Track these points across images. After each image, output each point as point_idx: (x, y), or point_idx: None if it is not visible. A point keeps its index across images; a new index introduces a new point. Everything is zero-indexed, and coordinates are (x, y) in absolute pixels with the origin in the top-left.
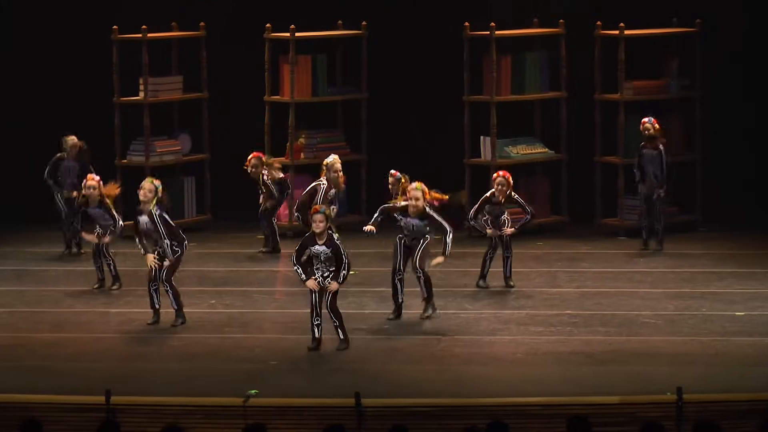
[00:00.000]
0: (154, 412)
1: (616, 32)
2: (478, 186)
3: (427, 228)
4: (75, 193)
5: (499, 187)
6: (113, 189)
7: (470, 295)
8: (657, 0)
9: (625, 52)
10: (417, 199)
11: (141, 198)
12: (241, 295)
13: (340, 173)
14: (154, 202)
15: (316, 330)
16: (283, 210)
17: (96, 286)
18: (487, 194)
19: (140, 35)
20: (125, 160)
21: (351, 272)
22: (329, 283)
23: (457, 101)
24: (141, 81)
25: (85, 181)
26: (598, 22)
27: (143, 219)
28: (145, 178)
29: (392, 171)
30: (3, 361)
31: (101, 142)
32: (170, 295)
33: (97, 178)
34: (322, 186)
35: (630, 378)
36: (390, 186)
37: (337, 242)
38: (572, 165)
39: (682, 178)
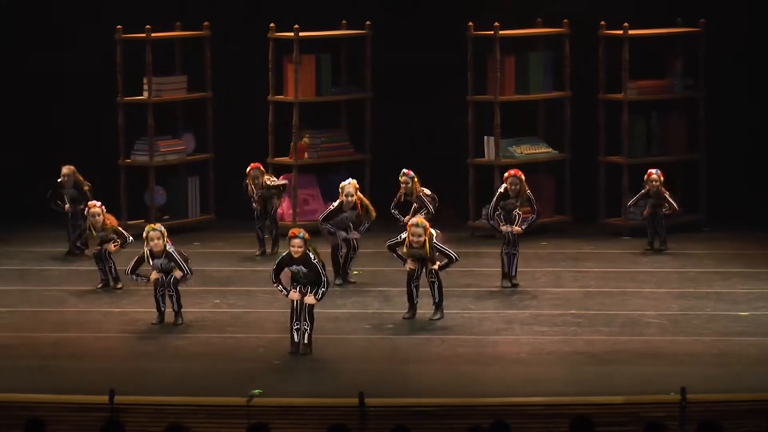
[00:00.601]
0: (157, 412)
1: (620, 32)
2: (482, 186)
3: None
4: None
5: (512, 186)
6: (114, 220)
7: (474, 295)
8: (661, 0)
9: (629, 52)
10: (419, 236)
11: (154, 249)
12: (245, 294)
13: (353, 197)
14: (165, 241)
15: (295, 335)
16: (286, 209)
17: (100, 285)
18: (501, 190)
19: (144, 35)
20: (129, 160)
21: (355, 272)
22: (308, 294)
23: (460, 101)
24: (145, 80)
25: (87, 209)
26: (602, 22)
27: (158, 262)
28: (145, 229)
29: (405, 170)
30: (6, 360)
31: (105, 141)
32: (174, 298)
33: (99, 204)
34: (332, 206)
35: (633, 378)
36: (402, 185)
37: (314, 262)
38: (576, 165)
39: (686, 178)
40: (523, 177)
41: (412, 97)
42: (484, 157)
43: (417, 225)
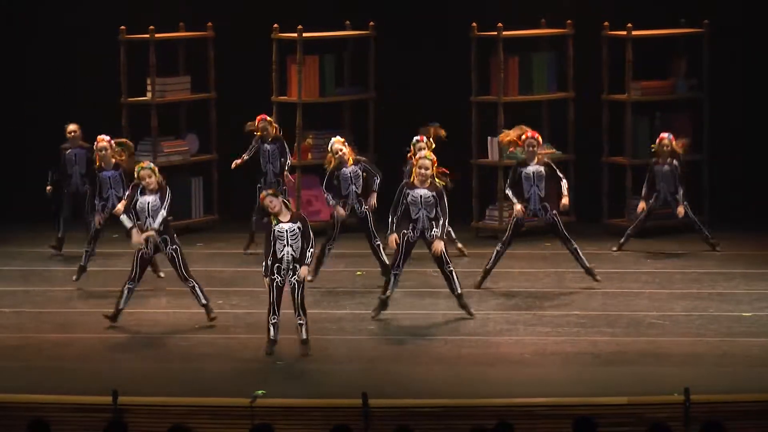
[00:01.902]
0: (160, 412)
1: (624, 33)
2: (485, 186)
3: (436, 202)
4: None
5: (530, 148)
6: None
7: (477, 296)
8: (664, 0)
9: (633, 53)
10: (426, 168)
11: (147, 186)
12: (248, 295)
13: (342, 151)
14: (157, 177)
15: (272, 329)
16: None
17: (75, 278)
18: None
19: (148, 35)
20: None
21: (358, 273)
22: (297, 276)
23: (464, 101)
24: (148, 81)
25: (96, 143)
26: (606, 23)
27: (147, 199)
28: (137, 171)
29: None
30: (10, 361)
31: None
32: (197, 289)
33: (107, 138)
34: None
35: (637, 378)
36: (412, 147)
37: (304, 216)
38: (579, 165)
39: (689, 178)
40: (540, 140)
41: (415, 97)
42: (487, 157)
43: (425, 158)
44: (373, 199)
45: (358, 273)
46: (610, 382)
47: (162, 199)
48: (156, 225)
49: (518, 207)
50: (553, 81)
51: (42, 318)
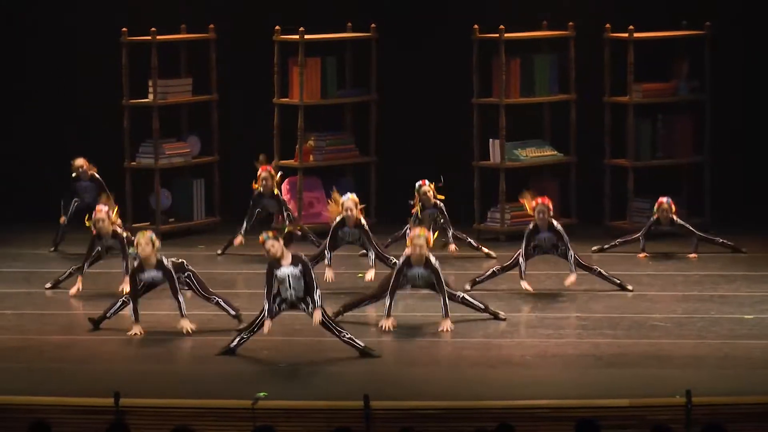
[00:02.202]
0: (162, 414)
1: (626, 35)
2: (486, 188)
3: (433, 282)
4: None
5: (540, 215)
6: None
7: (478, 297)
8: (666, 2)
9: (634, 55)
10: (421, 246)
11: (141, 253)
12: (249, 297)
13: (351, 211)
14: (156, 251)
15: (236, 341)
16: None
17: (48, 285)
18: (530, 227)
19: (149, 37)
20: (134, 163)
21: (359, 275)
22: (313, 321)
23: (466, 104)
24: (150, 83)
25: (93, 213)
26: (607, 25)
27: (149, 275)
28: (137, 235)
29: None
30: (11, 362)
31: (110, 144)
32: (223, 303)
33: (105, 209)
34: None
35: (639, 380)
36: (416, 193)
37: (305, 260)
38: (581, 167)
39: (691, 181)
40: (551, 206)
41: (417, 99)
42: (489, 160)
43: (419, 236)
44: (369, 275)
45: (359, 275)
46: (612, 384)
47: (167, 278)
48: (183, 312)
49: (525, 285)
50: (554, 83)
51: (43, 320)
